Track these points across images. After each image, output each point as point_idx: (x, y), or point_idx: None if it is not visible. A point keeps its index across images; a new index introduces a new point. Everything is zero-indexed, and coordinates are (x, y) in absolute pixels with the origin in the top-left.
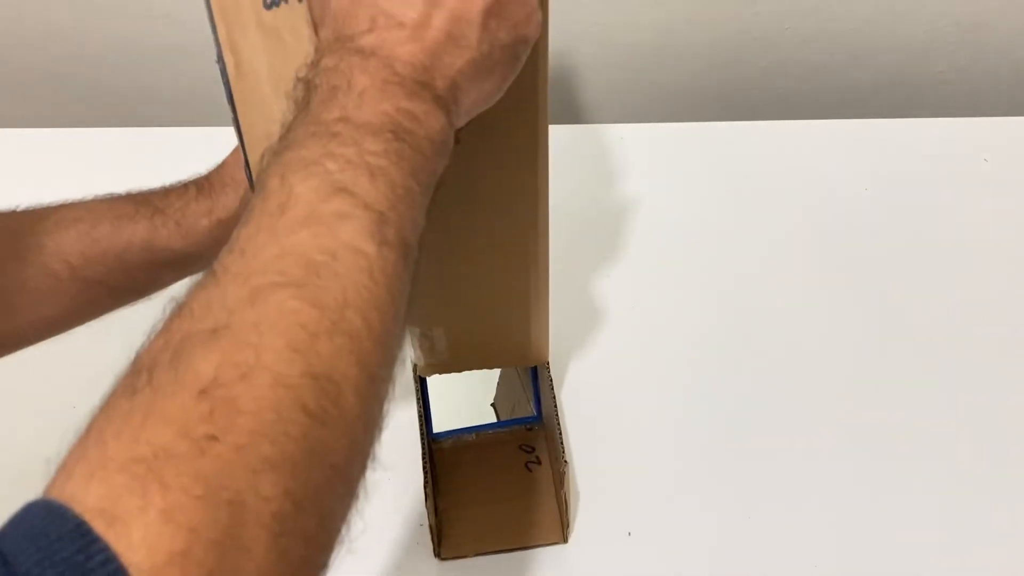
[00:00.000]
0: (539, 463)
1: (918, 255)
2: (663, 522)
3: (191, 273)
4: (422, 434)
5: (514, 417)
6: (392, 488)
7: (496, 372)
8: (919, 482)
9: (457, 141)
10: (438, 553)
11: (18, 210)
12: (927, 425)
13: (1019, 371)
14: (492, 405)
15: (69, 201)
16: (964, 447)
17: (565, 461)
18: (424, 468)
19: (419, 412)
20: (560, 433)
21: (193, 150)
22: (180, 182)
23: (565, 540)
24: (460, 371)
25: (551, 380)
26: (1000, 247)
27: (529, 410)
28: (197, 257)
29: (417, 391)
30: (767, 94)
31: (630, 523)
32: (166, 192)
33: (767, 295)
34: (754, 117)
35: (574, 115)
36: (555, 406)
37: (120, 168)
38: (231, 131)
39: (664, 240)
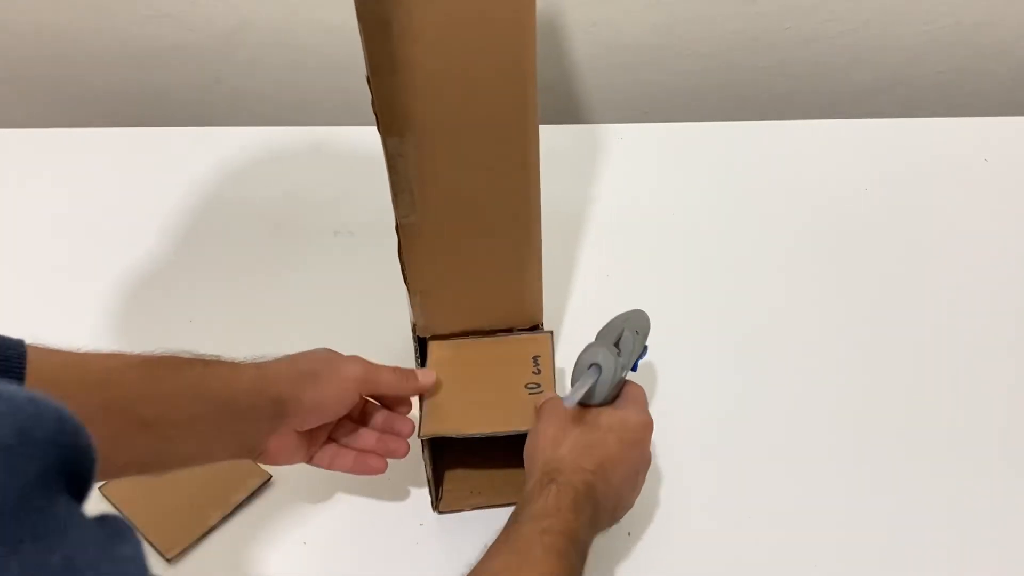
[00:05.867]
0: None
1: (918, 254)
2: (662, 522)
3: None
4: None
5: None
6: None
7: None
8: (920, 483)
9: None
10: (436, 507)
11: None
12: (929, 425)
13: (1019, 370)
14: None
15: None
16: (966, 447)
17: None
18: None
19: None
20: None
21: (193, 150)
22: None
23: None
24: (457, 330)
25: (552, 347)
26: (1000, 247)
27: None
28: None
29: (416, 351)
30: (767, 94)
31: (627, 523)
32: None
33: (766, 294)
34: (754, 117)
35: (574, 115)
36: (552, 369)
37: (121, 168)
38: (230, 131)
39: (664, 239)
